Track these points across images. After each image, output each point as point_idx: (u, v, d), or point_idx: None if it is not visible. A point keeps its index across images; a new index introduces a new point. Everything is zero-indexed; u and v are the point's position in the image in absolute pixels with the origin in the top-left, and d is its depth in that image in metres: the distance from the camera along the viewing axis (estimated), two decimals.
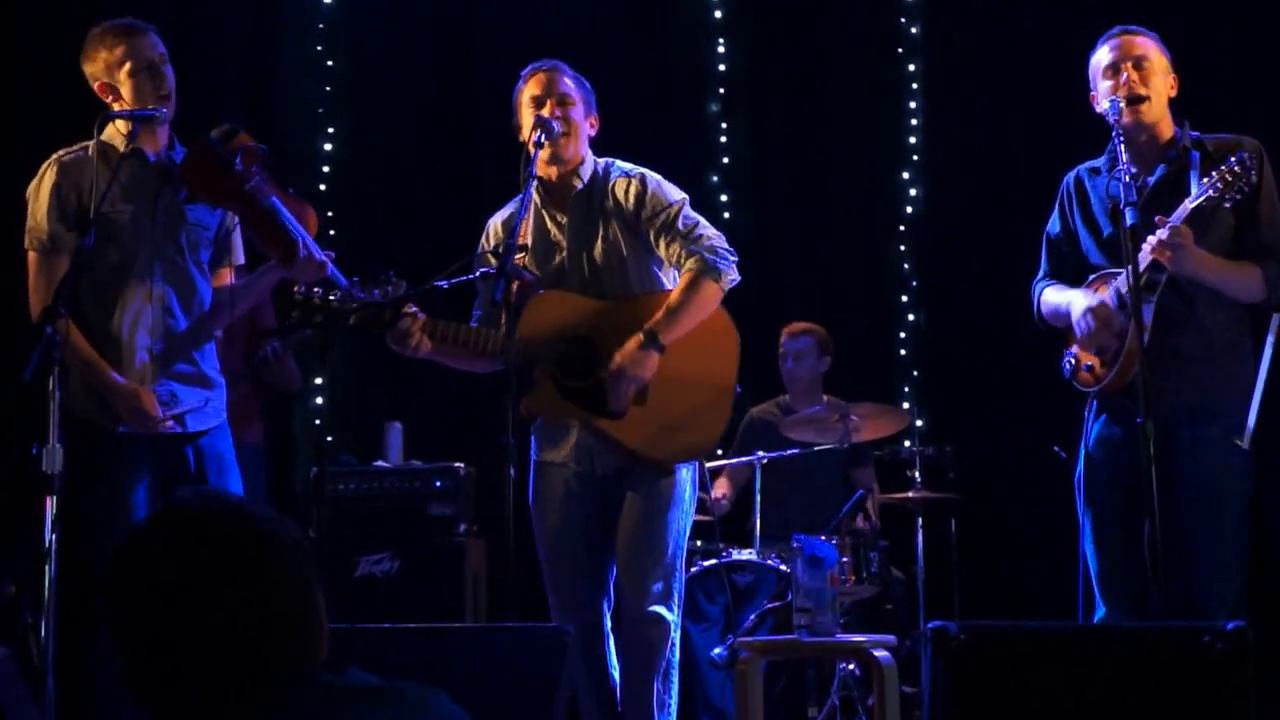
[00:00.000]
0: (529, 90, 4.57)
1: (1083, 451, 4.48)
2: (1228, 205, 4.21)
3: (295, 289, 4.29)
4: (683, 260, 4.50)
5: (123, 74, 4.48)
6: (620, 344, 4.44)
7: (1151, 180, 4.38)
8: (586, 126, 4.61)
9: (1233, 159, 4.18)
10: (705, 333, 4.52)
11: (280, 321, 5.99)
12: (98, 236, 4.32)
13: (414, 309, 4.38)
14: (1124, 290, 4.21)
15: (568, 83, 4.58)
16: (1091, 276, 4.46)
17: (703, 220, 4.57)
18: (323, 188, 7.68)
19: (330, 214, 7.51)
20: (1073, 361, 4.46)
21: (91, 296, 4.44)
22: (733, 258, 4.53)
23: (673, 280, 4.59)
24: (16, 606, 5.78)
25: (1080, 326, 4.38)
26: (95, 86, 4.53)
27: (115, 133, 4.50)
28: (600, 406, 4.47)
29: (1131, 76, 4.37)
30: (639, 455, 4.48)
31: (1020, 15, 7.58)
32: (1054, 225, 4.64)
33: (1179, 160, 4.36)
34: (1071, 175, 4.62)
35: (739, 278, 4.56)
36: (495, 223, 4.71)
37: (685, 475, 4.56)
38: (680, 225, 4.51)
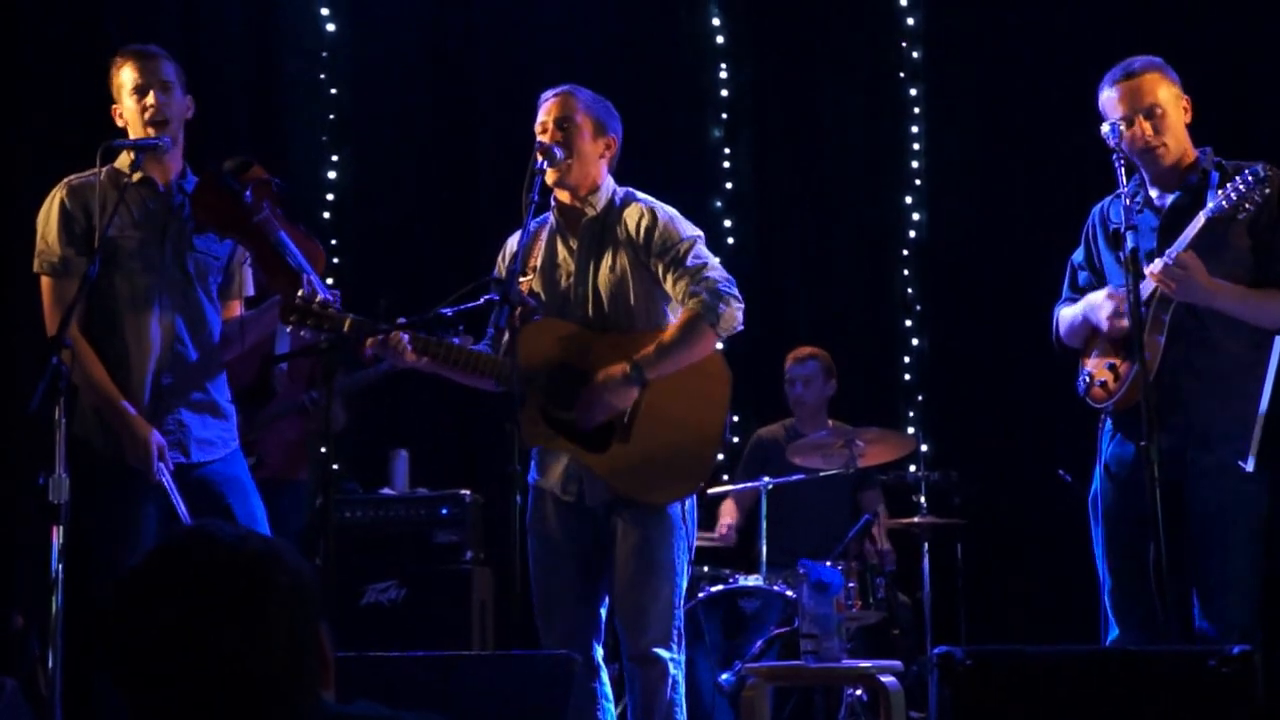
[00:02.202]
0: (540, 116, 4.51)
1: (1098, 470, 4.46)
2: (1240, 218, 4.20)
3: (298, 295, 4.26)
4: (685, 300, 4.42)
5: (123, 96, 4.53)
6: None
7: (1168, 203, 4.36)
8: (597, 149, 4.51)
9: (1246, 172, 4.17)
10: (697, 376, 4.43)
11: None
12: (106, 263, 4.35)
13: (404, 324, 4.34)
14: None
15: (575, 106, 4.50)
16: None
17: (713, 260, 4.46)
18: (327, 215, 7.70)
19: (334, 242, 7.53)
20: (1087, 378, 4.43)
21: (101, 324, 4.45)
22: (738, 303, 4.40)
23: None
24: (24, 638, 5.79)
25: (1107, 304, 4.34)
26: (113, 111, 4.57)
27: (126, 160, 4.53)
28: (584, 439, 4.40)
29: (1146, 129, 4.34)
30: (617, 492, 4.41)
31: (1022, 39, 7.58)
32: (1078, 253, 4.61)
33: (1199, 183, 4.35)
34: (1098, 207, 4.58)
35: (742, 325, 4.43)
36: (511, 242, 4.61)
37: (680, 509, 4.44)
38: (689, 263, 4.41)
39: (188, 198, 4.53)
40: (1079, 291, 4.60)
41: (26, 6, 7.29)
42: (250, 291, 4.75)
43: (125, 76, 4.52)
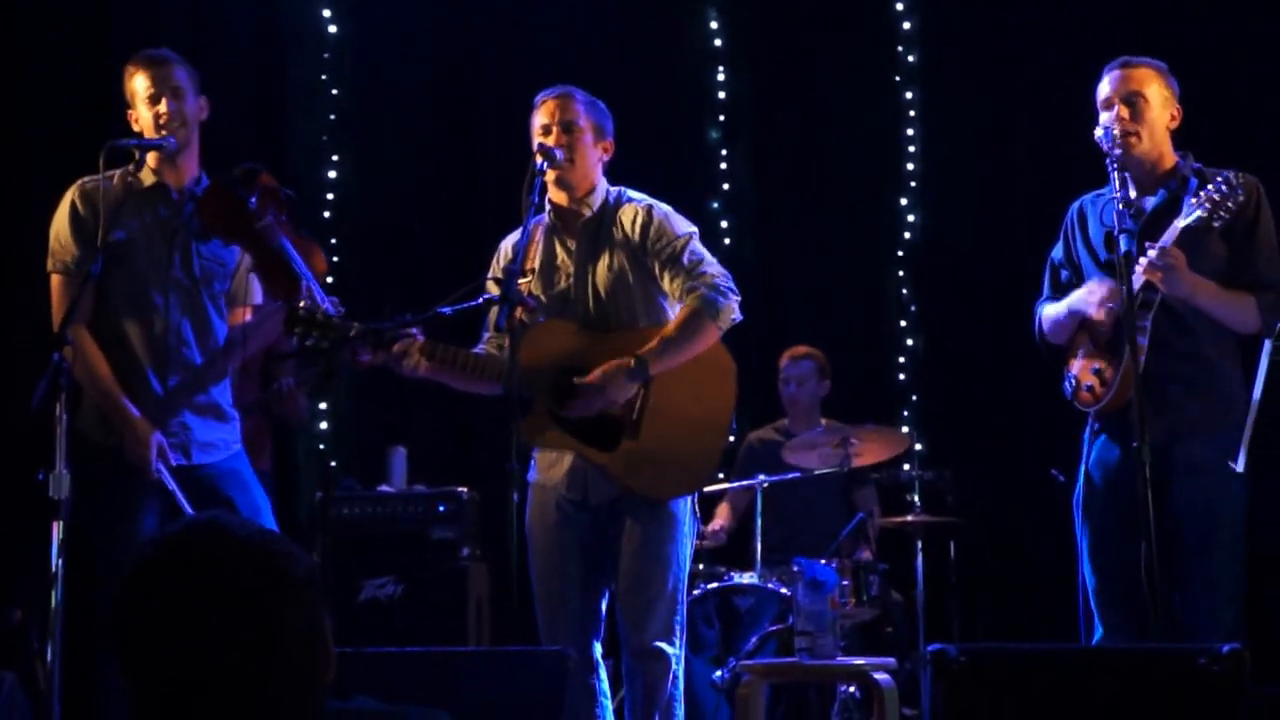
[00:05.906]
0: (539, 118, 4.54)
1: (1082, 472, 4.49)
2: (1216, 225, 4.23)
3: (300, 305, 4.30)
4: (684, 295, 4.46)
5: (137, 104, 4.56)
6: None
7: (1149, 206, 4.41)
8: (597, 153, 4.56)
9: (1219, 179, 4.21)
10: (704, 369, 4.48)
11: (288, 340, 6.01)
12: (114, 265, 4.38)
13: (413, 330, 4.37)
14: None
15: (577, 109, 4.53)
16: None
17: (709, 256, 4.52)
18: (327, 215, 7.71)
19: (334, 241, 7.54)
20: (1073, 382, 4.47)
21: (107, 327, 4.48)
22: (735, 296, 4.46)
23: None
24: (23, 632, 5.81)
25: (1099, 289, 4.38)
26: (128, 116, 4.61)
27: (142, 163, 4.56)
28: (593, 439, 4.45)
29: (1122, 113, 4.39)
30: (630, 489, 4.46)
31: (1019, 42, 7.61)
32: (1058, 251, 4.66)
33: (1178, 189, 4.39)
34: (1076, 203, 4.64)
35: (740, 316, 4.50)
36: (506, 245, 4.66)
37: (684, 505, 4.50)
38: (685, 260, 4.46)
39: (195, 202, 4.56)
40: (1060, 290, 4.63)
41: (30, 8, 7.30)
42: (258, 299, 4.76)
43: (138, 84, 4.56)
